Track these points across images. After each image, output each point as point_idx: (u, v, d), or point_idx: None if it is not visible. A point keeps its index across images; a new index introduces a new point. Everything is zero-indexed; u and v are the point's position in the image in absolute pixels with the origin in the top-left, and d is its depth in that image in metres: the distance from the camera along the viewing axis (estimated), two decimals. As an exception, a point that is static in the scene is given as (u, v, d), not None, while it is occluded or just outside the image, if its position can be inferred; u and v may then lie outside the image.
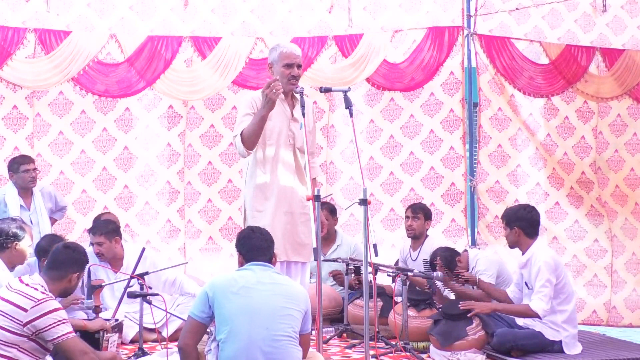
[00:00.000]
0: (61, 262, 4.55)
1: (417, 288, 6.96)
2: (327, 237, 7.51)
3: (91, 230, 6.74)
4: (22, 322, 4.27)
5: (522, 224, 6.10)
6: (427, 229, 7.40)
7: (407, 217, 7.40)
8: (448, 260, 6.62)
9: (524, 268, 6.14)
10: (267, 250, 4.67)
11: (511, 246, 6.28)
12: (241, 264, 4.69)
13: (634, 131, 8.72)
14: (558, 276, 5.98)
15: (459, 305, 6.02)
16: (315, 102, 8.25)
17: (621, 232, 8.59)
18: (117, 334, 5.44)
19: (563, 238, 8.47)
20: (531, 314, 5.91)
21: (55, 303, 4.36)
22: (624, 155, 8.70)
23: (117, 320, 5.57)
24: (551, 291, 5.91)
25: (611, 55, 8.60)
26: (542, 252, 6.07)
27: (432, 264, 6.62)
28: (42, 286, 4.42)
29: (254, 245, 4.66)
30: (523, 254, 6.14)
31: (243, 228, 5.62)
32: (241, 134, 5.40)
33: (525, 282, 6.13)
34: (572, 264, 8.48)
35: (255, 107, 5.50)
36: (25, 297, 4.30)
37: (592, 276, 8.50)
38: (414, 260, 7.32)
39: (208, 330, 4.62)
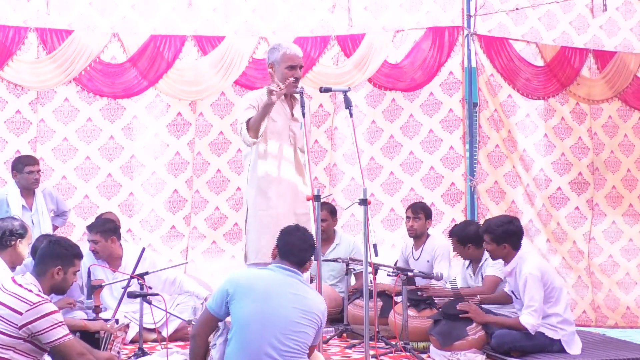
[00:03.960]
0: (41, 256, 4.51)
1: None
2: (326, 237, 7.53)
3: (88, 228, 6.74)
4: (17, 325, 4.24)
5: (512, 240, 6.03)
6: (428, 228, 7.40)
7: (407, 217, 7.39)
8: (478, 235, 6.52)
9: (509, 276, 6.12)
10: (303, 253, 4.56)
11: (495, 259, 6.22)
12: (274, 257, 4.62)
13: (624, 132, 8.79)
14: (545, 283, 5.93)
15: (457, 307, 6.02)
16: (321, 105, 8.26)
17: (602, 235, 8.63)
18: (123, 335, 5.43)
19: (552, 240, 8.50)
20: (521, 328, 5.88)
21: (50, 306, 4.32)
22: (619, 156, 8.78)
23: (117, 320, 5.56)
24: (541, 304, 5.86)
25: (603, 58, 8.66)
26: (527, 262, 5.98)
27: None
28: (35, 286, 4.39)
29: (291, 243, 4.57)
30: (506, 263, 6.08)
31: (245, 228, 5.64)
32: (247, 122, 5.46)
33: (512, 290, 6.13)
34: (563, 266, 8.54)
35: (257, 103, 5.53)
36: (20, 300, 4.28)
37: (577, 278, 8.55)
38: (416, 259, 7.31)
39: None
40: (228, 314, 4.45)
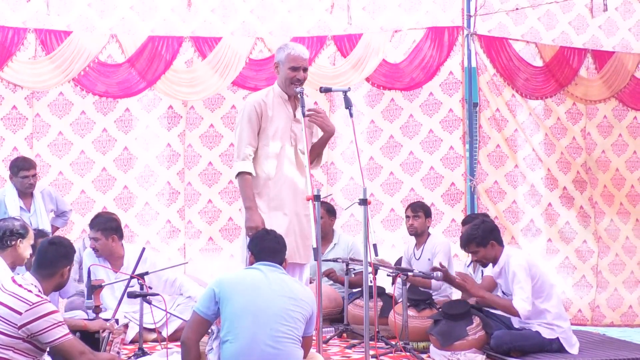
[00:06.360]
0: (49, 259, 4.50)
1: (420, 289, 6.95)
2: (324, 237, 7.48)
3: (90, 225, 6.71)
4: (16, 325, 4.24)
5: (495, 234, 6.04)
6: (428, 227, 7.40)
7: (407, 216, 7.40)
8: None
9: (499, 278, 6.11)
10: (279, 254, 4.69)
11: (486, 264, 6.15)
12: (251, 264, 4.70)
13: (619, 132, 8.82)
14: (533, 277, 5.94)
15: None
16: (315, 103, 8.26)
17: (605, 233, 8.68)
18: (122, 335, 5.43)
19: (556, 239, 8.50)
20: (513, 312, 5.88)
21: (50, 306, 4.32)
22: (610, 156, 8.81)
23: (117, 320, 5.56)
24: (530, 292, 5.88)
25: (601, 58, 8.69)
26: (514, 257, 5.98)
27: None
28: (36, 286, 4.38)
29: (267, 247, 4.67)
30: (494, 265, 6.07)
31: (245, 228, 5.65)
32: (238, 174, 5.50)
33: (503, 291, 6.13)
34: (564, 265, 8.55)
35: (256, 114, 5.50)
36: (20, 300, 4.27)
37: (581, 277, 8.58)
38: (418, 259, 7.32)
39: (209, 330, 4.63)
40: (217, 315, 4.50)
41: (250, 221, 5.42)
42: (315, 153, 5.74)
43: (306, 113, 5.48)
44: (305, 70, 5.59)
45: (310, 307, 4.55)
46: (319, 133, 5.75)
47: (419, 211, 7.33)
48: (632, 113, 8.88)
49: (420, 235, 7.35)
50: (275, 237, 4.76)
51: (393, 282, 6.31)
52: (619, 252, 8.70)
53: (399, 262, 7.52)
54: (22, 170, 7.12)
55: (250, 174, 5.49)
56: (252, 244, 4.76)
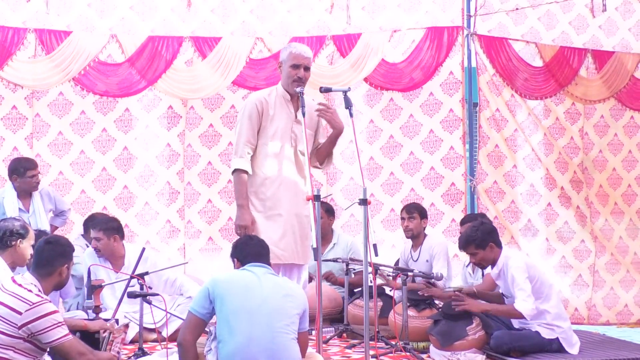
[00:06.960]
0: (47, 258, 4.51)
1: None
2: (324, 237, 7.47)
3: (91, 225, 6.71)
4: (17, 324, 4.23)
5: (493, 236, 6.05)
6: (424, 228, 7.37)
7: (402, 218, 7.38)
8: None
9: (498, 279, 6.12)
10: (264, 257, 4.73)
11: (484, 267, 6.16)
12: (238, 269, 4.73)
13: (614, 132, 8.84)
14: (532, 278, 5.95)
15: (452, 306, 6.00)
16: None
17: (601, 233, 8.68)
18: (122, 335, 5.43)
19: (553, 239, 8.51)
20: (516, 314, 5.88)
21: (50, 306, 4.32)
22: (607, 155, 8.83)
23: (117, 320, 5.56)
24: (531, 292, 5.87)
25: (601, 58, 8.69)
26: (512, 259, 5.99)
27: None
28: (36, 286, 4.38)
29: (251, 252, 4.71)
30: (493, 266, 6.08)
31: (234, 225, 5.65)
32: (234, 171, 5.52)
33: (502, 293, 6.12)
34: (561, 265, 8.56)
35: (257, 112, 5.51)
36: (20, 299, 4.27)
37: (577, 276, 8.60)
38: (415, 260, 7.31)
39: (207, 330, 4.63)
40: (212, 314, 4.52)
41: (240, 219, 5.45)
42: (326, 152, 5.76)
43: (316, 107, 5.50)
44: (307, 69, 5.59)
45: (302, 303, 4.59)
46: (324, 134, 5.75)
47: (414, 212, 7.31)
48: (629, 113, 8.89)
49: (416, 236, 7.33)
50: (258, 241, 4.81)
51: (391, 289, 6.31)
52: (614, 252, 8.71)
53: (396, 264, 7.50)
54: (29, 170, 7.10)
55: (246, 172, 5.49)
56: (236, 251, 4.78)
